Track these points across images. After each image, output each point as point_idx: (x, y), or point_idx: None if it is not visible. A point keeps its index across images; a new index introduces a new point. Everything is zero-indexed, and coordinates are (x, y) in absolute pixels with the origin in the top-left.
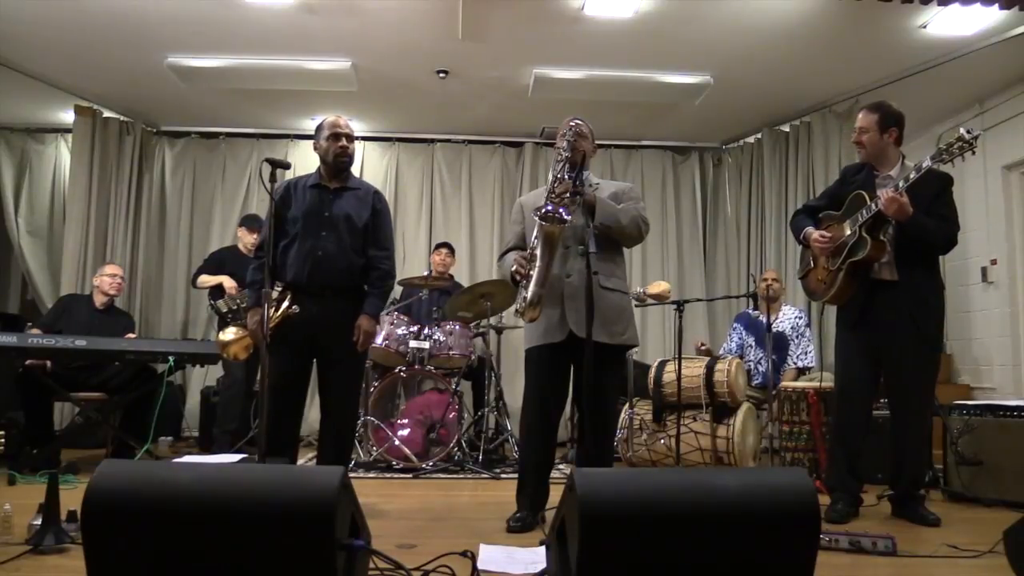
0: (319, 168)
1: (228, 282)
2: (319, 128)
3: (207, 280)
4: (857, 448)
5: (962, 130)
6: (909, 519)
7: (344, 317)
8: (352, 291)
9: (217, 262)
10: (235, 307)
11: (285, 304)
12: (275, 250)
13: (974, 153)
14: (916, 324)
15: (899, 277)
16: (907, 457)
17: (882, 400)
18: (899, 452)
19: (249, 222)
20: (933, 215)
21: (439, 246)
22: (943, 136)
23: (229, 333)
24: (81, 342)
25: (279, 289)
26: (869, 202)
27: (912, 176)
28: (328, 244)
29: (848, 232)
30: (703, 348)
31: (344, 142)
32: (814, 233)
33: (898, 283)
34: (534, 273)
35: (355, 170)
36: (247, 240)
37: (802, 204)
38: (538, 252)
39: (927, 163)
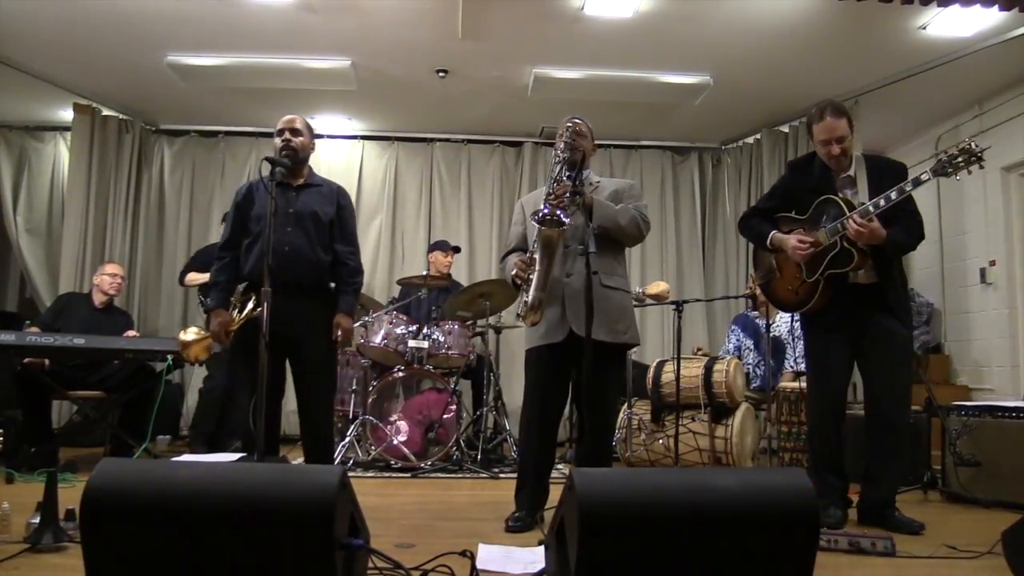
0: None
1: None
2: None
3: (196, 278)
4: (839, 448)
5: (970, 141)
6: (888, 528)
7: (313, 316)
8: (319, 289)
9: (205, 259)
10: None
11: (250, 305)
12: (238, 249)
13: (982, 167)
14: (902, 323)
15: (879, 279)
16: (893, 460)
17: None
18: (883, 455)
19: None
20: (901, 212)
21: (448, 248)
22: (942, 138)
23: (190, 333)
24: (79, 340)
25: (242, 289)
26: (847, 212)
27: (908, 188)
28: (294, 239)
29: (826, 241)
30: (699, 352)
31: (287, 135)
32: (791, 239)
33: (877, 284)
34: (534, 277)
35: (354, 169)
36: None
37: (749, 207)
38: (537, 256)
39: (927, 176)
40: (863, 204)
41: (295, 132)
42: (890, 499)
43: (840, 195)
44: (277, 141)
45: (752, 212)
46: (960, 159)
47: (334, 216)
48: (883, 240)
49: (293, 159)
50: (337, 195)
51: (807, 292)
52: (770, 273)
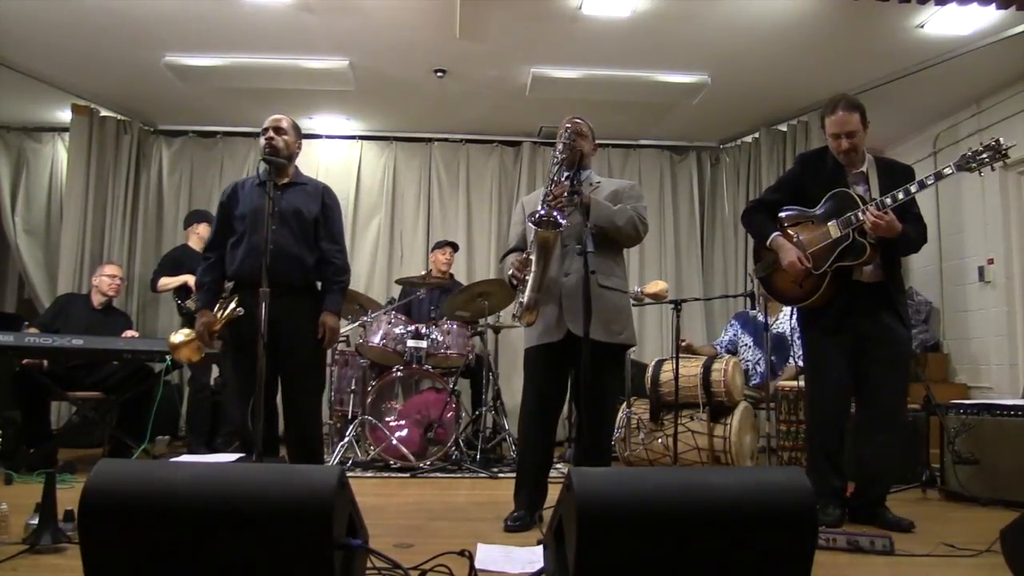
0: (264, 168)
1: (192, 280)
2: None
3: (169, 282)
4: (840, 448)
5: (1000, 138)
6: (880, 526)
7: (298, 316)
8: (304, 289)
9: (174, 262)
10: None
11: (231, 306)
12: (223, 249)
13: (1005, 164)
14: (904, 324)
15: (886, 278)
16: (886, 461)
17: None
18: (877, 456)
19: (206, 217)
20: (908, 215)
21: (444, 244)
22: (940, 137)
23: (179, 335)
24: (78, 341)
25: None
26: (863, 205)
27: (930, 181)
28: (278, 238)
29: (837, 233)
30: (684, 343)
31: (271, 134)
32: (791, 254)
33: (883, 284)
34: (530, 277)
35: (352, 169)
36: (206, 235)
37: (755, 198)
38: (533, 256)
39: (949, 170)
40: (875, 199)
41: (279, 131)
42: (883, 498)
43: (852, 190)
44: (261, 140)
45: (756, 206)
46: (985, 155)
47: (319, 214)
48: (898, 234)
49: (275, 158)
50: (322, 194)
51: (812, 285)
52: (772, 266)
